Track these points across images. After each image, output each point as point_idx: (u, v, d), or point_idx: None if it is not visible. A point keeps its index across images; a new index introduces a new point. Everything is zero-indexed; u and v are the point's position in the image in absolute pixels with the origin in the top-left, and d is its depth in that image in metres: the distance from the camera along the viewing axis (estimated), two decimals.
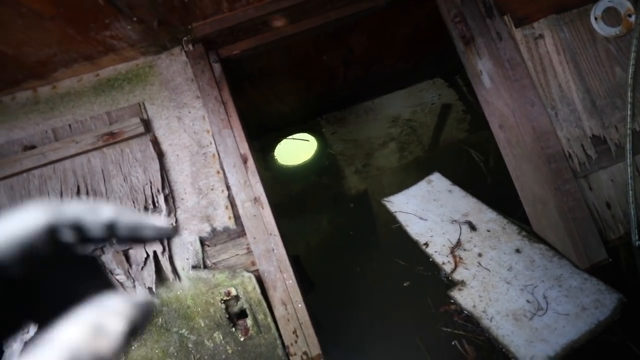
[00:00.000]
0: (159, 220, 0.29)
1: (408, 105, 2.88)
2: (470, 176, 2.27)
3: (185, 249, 1.33)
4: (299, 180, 2.74)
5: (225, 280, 1.30)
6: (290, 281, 1.33)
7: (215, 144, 1.41)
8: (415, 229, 1.96)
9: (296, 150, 2.90)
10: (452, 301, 1.54)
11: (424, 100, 2.86)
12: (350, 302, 1.73)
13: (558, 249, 1.54)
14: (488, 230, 1.81)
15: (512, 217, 1.83)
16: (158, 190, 1.35)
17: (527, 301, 1.45)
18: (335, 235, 2.29)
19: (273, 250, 1.34)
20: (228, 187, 1.39)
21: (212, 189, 1.38)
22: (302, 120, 2.95)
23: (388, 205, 2.18)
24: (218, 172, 1.40)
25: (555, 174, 1.42)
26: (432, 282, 1.66)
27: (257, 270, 1.33)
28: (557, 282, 1.47)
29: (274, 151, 2.92)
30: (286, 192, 2.69)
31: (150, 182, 1.36)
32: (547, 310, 1.40)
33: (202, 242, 1.35)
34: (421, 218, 2.00)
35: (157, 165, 1.37)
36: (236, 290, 1.29)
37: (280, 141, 2.93)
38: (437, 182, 2.22)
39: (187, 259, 1.32)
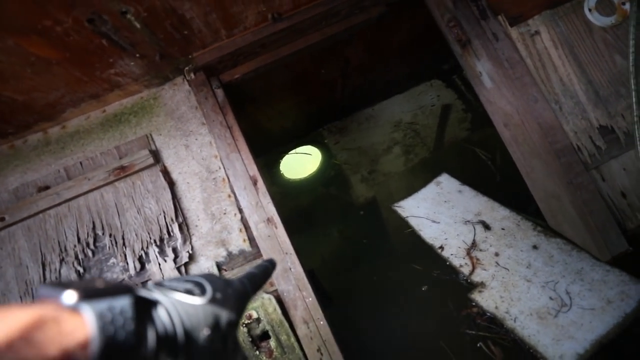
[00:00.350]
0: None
1: (408, 108, 2.89)
2: (479, 174, 2.26)
3: None
4: (306, 193, 2.75)
5: None
6: (310, 299, 1.32)
7: (224, 169, 1.42)
8: (429, 232, 1.95)
9: (301, 163, 2.92)
10: (474, 304, 1.53)
11: (424, 102, 2.87)
12: (370, 311, 1.72)
13: (577, 244, 1.52)
14: (502, 229, 1.79)
15: (524, 212, 1.81)
16: (172, 220, 1.36)
17: (550, 298, 1.43)
18: (348, 245, 2.29)
19: (290, 269, 1.35)
20: (240, 210, 1.40)
21: (224, 213, 1.39)
22: (305, 133, 2.98)
23: (399, 210, 2.17)
24: (229, 196, 1.41)
25: (566, 168, 1.42)
26: (451, 285, 1.64)
27: (276, 290, 1.33)
28: (579, 276, 1.45)
29: (279, 166, 2.93)
30: (295, 205, 2.70)
31: (164, 212, 1.37)
32: (572, 306, 1.38)
33: (219, 267, 1.35)
34: (434, 221, 1.99)
35: (169, 195, 1.38)
36: (257, 312, 1.29)
37: (284, 156, 2.95)
38: (446, 183, 2.22)
39: None
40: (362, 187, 2.61)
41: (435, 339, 1.48)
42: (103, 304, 0.31)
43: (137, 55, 1.26)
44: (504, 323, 1.41)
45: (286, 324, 1.29)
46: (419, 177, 2.41)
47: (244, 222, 1.39)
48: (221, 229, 1.38)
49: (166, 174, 1.42)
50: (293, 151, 2.97)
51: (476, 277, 1.60)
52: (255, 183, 1.41)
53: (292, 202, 2.73)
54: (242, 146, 1.44)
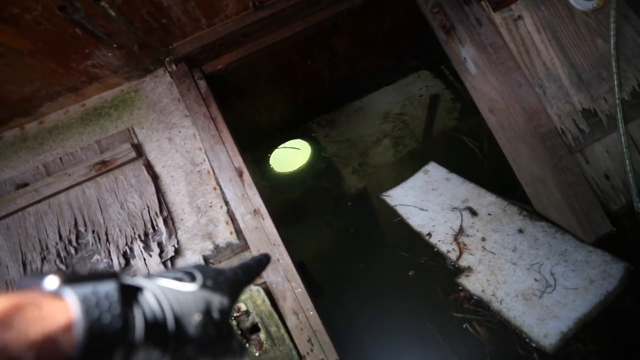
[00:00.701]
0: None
1: (397, 100, 2.88)
2: (467, 163, 2.27)
3: None
4: (297, 186, 2.74)
5: None
6: (299, 290, 1.32)
7: (209, 161, 1.40)
8: (417, 220, 1.96)
9: (291, 157, 2.90)
10: (461, 288, 1.54)
11: (412, 93, 2.87)
12: (361, 299, 1.73)
13: (563, 226, 1.55)
14: (489, 214, 1.81)
15: (510, 198, 1.83)
16: (156, 214, 1.34)
17: (535, 280, 1.46)
18: (340, 236, 2.29)
19: (278, 260, 1.34)
20: (226, 202, 1.38)
21: (210, 206, 1.38)
22: (294, 127, 2.95)
23: (387, 199, 2.18)
24: (215, 189, 1.39)
25: (551, 152, 1.43)
26: (439, 271, 1.66)
27: (264, 282, 1.33)
28: (563, 257, 1.48)
29: (268, 160, 2.91)
30: (286, 199, 2.69)
31: (148, 206, 1.35)
32: (556, 287, 1.41)
33: (206, 260, 1.34)
34: (421, 209, 2.00)
35: (152, 189, 1.36)
36: (245, 305, 1.28)
37: (273, 150, 2.93)
38: (433, 172, 2.23)
39: None
40: (353, 179, 2.61)
41: (423, 323, 1.49)
42: (87, 288, 0.30)
43: (115, 45, 1.22)
44: (490, 306, 1.43)
45: (276, 316, 1.28)
46: (408, 168, 2.41)
47: (231, 214, 1.37)
48: (207, 222, 1.36)
49: (149, 167, 1.39)
50: (282, 145, 2.95)
51: (463, 262, 1.62)
52: (240, 175, 1.39)
53: (283, 196, 2.72)
54: (227, 138, 1.42)
